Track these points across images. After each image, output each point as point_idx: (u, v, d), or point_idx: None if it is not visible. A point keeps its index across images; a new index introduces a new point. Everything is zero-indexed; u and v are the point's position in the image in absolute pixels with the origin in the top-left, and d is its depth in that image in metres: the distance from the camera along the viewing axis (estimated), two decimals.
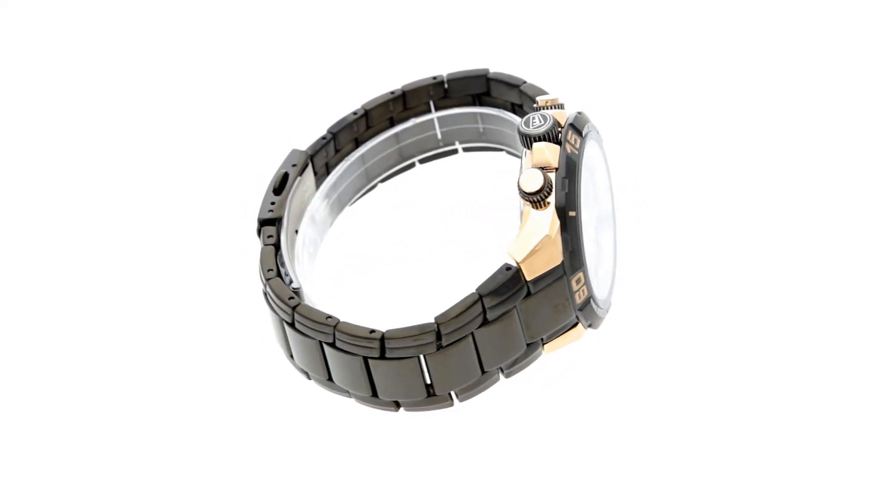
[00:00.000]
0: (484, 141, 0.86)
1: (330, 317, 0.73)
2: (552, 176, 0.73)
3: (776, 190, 0.85)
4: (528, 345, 0.74)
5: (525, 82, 0.82)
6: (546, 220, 0.72)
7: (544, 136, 0.74)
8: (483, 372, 0.74)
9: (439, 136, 0.86)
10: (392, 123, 0.85)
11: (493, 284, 0.72)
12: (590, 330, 0.76)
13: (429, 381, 0.73)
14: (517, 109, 0.83)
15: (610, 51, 0.96)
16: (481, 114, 0.85)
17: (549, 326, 0.74)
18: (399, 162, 0.86)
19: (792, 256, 0.81)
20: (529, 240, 0.72)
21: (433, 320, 0.72)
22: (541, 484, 0.74)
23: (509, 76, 0.83)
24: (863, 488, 0.72)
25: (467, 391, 0.74)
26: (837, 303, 0.79)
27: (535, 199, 0.73)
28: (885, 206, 0.84)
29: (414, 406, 0.74)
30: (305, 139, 0.83)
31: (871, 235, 0.82)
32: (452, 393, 0.74)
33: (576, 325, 0.75)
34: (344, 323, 0.73)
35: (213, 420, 0.79)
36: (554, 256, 0.73)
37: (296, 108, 0.94)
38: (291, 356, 0.76)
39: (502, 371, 0.74)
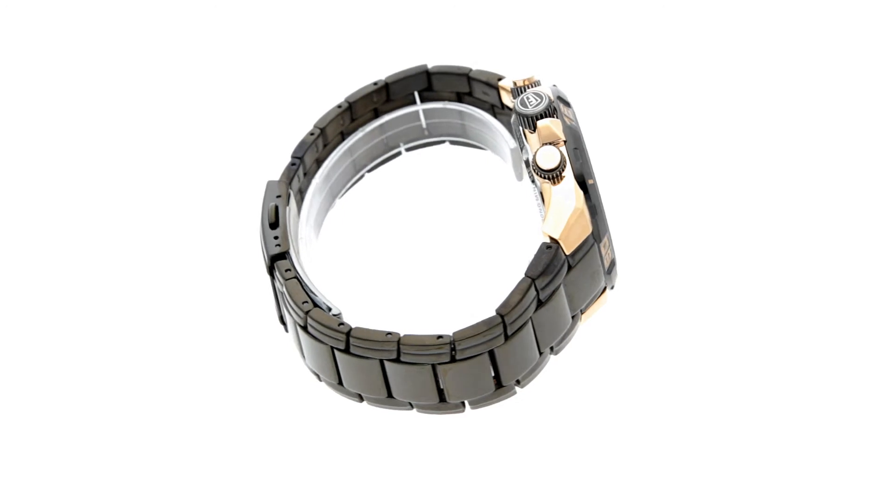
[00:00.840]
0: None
1: (390, 333, 0.72)
2: (563, 149, 0.74)
3: (775, 188, 0.86)
4: (571, 317, 0.75)
5: (471, 70, 0.83)
6: (570, 193, 0.74)
7: (543, 113, 0.75)
8: (539, 353, 0.74)
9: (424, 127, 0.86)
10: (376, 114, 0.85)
11: (541, 265, 0.72)
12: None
13: (494, 374, 0.74)
14: (464, 97, 0.84)
15: (608, 50, 0.97)
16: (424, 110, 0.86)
17: (587, 296, 0.75)
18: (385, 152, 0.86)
19: (791, 253, 0.83)
20: (561, 215, 0.73)
21: (495, 313, 0.72)
22: (547, 483, 0.75)
23: (454, 67, 0.84)
24: (863, 487, 0.73)
25: (528, 376, 0.75)
26: (837, 302, 0.80)
27: (554, 174, 0.73)
28: (884, 203, 0.85)
29: (480, 403, 0.74)
30: (284, 136, 0.84)
31: (870, 233, 0.84)
32: (516, 381, 0.74)
33: (604, 290, 0.77)
34: (406, 336, 0.72)
35: (218, 423, 0.79)
36: (585, 227, 0.74)
37: (275, 105, 0.94)
38: (340, 382, 0.75)
39: (552, 350, 0.75)
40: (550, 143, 0.75)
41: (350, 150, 0.84)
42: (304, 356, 0.76)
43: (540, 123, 0.75)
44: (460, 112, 0.84)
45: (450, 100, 0.85)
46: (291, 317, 0.75)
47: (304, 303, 0.74)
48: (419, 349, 0.72)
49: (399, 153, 0.86)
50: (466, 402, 0.75)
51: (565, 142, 0.75)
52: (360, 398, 0.75)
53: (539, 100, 0.76)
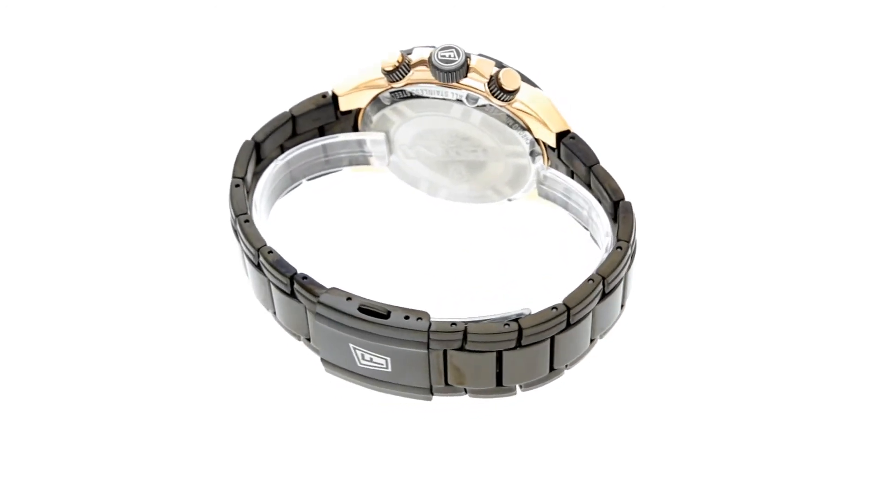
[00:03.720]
0: None
1: (454, 324, 0.72)
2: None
3: (775, 190, 0.87)
4: (621, 307, 0.78)
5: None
6: (535, 95, 0.79)
7: (466, 59, 0.78)
8: (591, 341, 0.76)
9: None
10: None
11: (613, 265, 0.74)
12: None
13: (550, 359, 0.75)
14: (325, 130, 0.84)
15: (607, 51, 0.97)
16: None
17: (629, 286, 0.78)
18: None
19: (794, 256, 0.83)
20: (551, 111, 0.79)
21: (562, 302, 0.73)
22: (550, 487, 0.75)
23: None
24: (864, 489, 0.74)
25: (576, 362, 0.76)
26: (837, 304, 0.81)
27: (511, 95, 0.79)
28: (885, 205, 0.86)
29: (532, 385, 0.75)
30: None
31: (872, 235, 0.85)
32: (565, 365, 0.76)
33: None
34: (470, 324, 0.72)
35: (216, 419, 0.78)
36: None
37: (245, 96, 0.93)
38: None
39: (598, 338, 0.77)
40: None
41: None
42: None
43: (476, 60, 0.78)
44: (323, 146, 0.83)
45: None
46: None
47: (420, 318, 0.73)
48: (487, 338, 0.72)
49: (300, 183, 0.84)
50: (519, 386, 0.75)
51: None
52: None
53: (452, 54, 0.78)
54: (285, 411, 0.77)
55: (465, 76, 0.78)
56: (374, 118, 0.81)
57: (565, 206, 0.81)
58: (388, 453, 0.76)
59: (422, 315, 0.72)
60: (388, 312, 0.72)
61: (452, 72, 0.78)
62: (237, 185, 0.78)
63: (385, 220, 0.84)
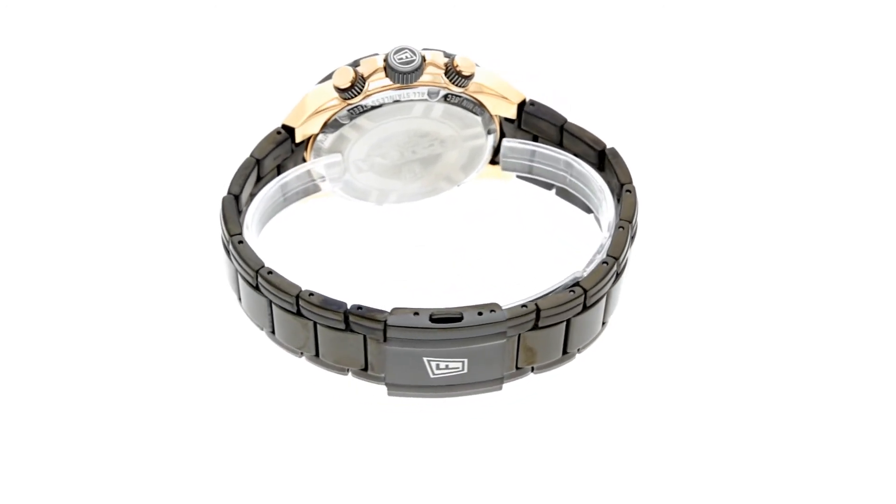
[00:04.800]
0: None
1: (525, 305, 0.72)
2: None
3: (775, 189, 0.88)
4: None
5: None
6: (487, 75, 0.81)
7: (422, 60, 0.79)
8: (602, 324, 0.77)
9: None
10: None
11: (622, 246, 0.75)
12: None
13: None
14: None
15: (606, 51, 0.97)
16: None
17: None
18: None
19: (793, 259, 0.84)
20: (505, 85, 0.81)
21: (578, 285, 0.74)
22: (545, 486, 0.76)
23: None
24: (863, 491, 0.74)
25: (588, 345, 0.77)
26: (837, 306, 0.82)
27: (467, 80, 0.79)
28: (885, 207, 0.87)
29: (545, 369, 0.76)
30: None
31: (870, 234, 0.85)
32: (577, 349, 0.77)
33: None
34: (539, 301, 0.73)
35: (213, 419, 0.77)
36: None
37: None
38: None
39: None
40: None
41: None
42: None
43: (428, 55, 0.79)
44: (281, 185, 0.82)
45: None
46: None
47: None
48: (558, 309, 0.72)
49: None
50: (577, 350, 0.77)
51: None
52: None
53: (409, 55, 0.78)
54: (282, 419, 0.76)
55: (423, 73, 0.78)
56: (328, 141, 0.80)
57: (529, 171, 0.82)
58: (388, 453, 0.76)
59: (493, 307, 0.72)
60: (461, 314, 0.72)
61: (413, 72, 0.78)
62: (240, 242, 0.75)
63: (350, 235, 0.83)
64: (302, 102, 0.79)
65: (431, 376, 0.74)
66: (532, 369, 0.76)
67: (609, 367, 0.78)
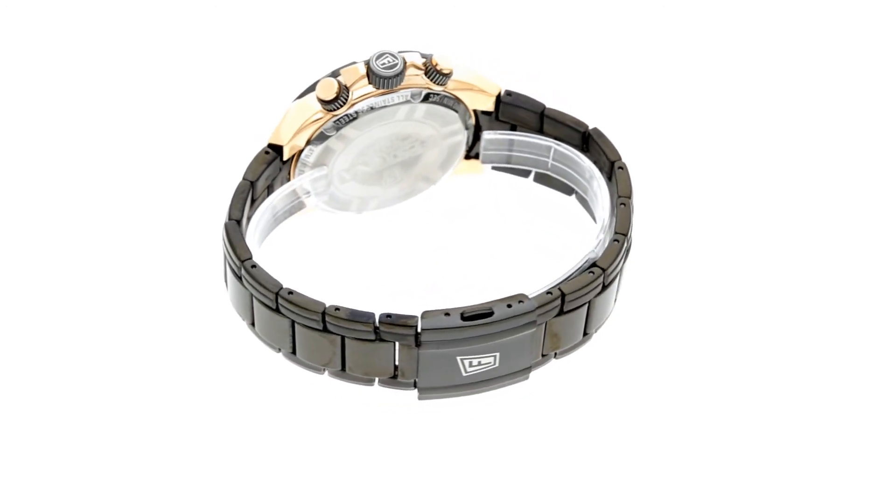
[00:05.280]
0: None
1: (550, 292, 0.73)
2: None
3: (775, 190, 0.88)
4: None
5: None
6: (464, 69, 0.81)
7: (403, 64, 0.78)
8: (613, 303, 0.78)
9: None
10: None
11: (628, 221, 0.77)
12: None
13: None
14: None
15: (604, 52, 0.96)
16: None
17: None
18: None
19: (792, 258, 0.84)
20: (481, 78, 0.81)
21: (598, 266, 0.75)
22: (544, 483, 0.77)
23: None
24: (863, 492, 0.75)
25: (601, 326, 0.78)
26: (836, 306, 0.82)
27: (447, 78, 0.80)
28: (884, 207, 0.87)
29: (567, 352, 0.77)
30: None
31: (869, 234, 0.85)
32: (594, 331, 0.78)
33: None
34: (563, 285, 0.73)
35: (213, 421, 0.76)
36: None
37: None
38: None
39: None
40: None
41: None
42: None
43: (409, 55, 0.79)
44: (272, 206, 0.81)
45: None
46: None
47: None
48: (582, 291, 0.73)
49: None
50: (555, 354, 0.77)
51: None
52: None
53: (392, 59, 0.78)
54: (309, 435, 0.76)
55: (406, 75, 0.78)
56: (314, 155, 0.79)
57: (508, 161, 0.83)
58: (387, 453, 0.76)
59: (520, 297, 0.73)
60: (491, 309, 0.72)
61: (397, 76, 0.77)
62: (253, 266, 0.74)
63: (333, 245, 0.83)
64: (286, 118, 0.78)
65: (464, 374, 0.74)
66: (555, 355, 0.76)
67: (623, 346, 0.79)
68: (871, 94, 0.94)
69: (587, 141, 0.81)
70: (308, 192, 0.80)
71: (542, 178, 0.84)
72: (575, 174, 0.81)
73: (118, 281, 0.81)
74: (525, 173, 0.84)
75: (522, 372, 0.75)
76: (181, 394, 0.77)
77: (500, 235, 0.84)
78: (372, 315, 0.72)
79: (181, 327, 0.79)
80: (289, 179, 0.80)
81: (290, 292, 0.73)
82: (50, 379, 0.77)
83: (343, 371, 0.75)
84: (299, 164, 0.79)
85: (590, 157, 0.80)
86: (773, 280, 0.83)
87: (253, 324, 0.76)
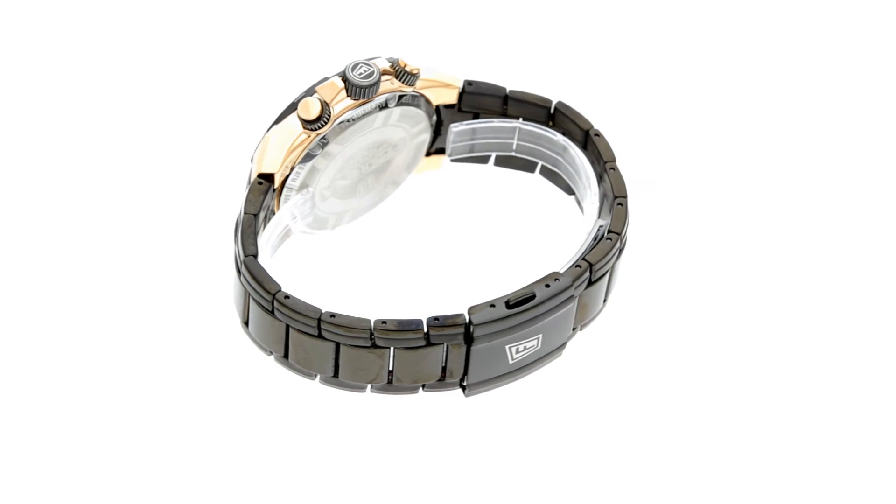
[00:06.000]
0: None
1: (578, 265, 0.74)
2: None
3: (775, 190, 0.88)
4: None
5: None
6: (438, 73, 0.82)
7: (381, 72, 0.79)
8: (604, 302, 0.80)
9: None
10: None
11: (623, 220, 0.77)
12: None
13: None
14: None
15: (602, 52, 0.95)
16: None
17: None
18: None
19: (791, 258, 0.85)
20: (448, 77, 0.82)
21: (613, 232, 0.76)
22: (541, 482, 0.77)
23: None
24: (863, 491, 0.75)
25: (588, 323, 0.79)
26: (831, 305, 0.82)
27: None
28: (881, 206, 0.87)
29: (589, 323, 0.79)
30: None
31: (868, 234, 0.86)
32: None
33: None
34: (589, 255, 0.75)
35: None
36: None
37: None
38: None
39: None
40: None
41: None
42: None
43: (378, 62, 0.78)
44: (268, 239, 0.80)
45: None
46: None
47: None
48: (608, 258, 0.75)
49: None
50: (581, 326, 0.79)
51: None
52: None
53: (367, 68, 0.77)
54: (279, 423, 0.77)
55: (381, 82, 0.78)
56: (300, 178, 0.78)
57: (471, 150, 0.84)
58: (386, 454, 0.77)
59: (555, 276, 0.74)
60: (533, 293, 0.73)
61: (374, 84, 0.77)
62: (286, 297, 0.73)
63: (317, 262, 0.82)
64: (269, 146, 0.77)
65: (510, 362, 0.75)
66: (581, 327, 0.78)
67: (622, 346, 0.80)
68: (870, 94, 0.94)
69: (554, 116, 0.82)
70: (295, 217, 0.79)
71: (503, 161, 0.85)
72: (542, 149, 0.83)
73: (118, 281, 0.81)
74: (485, 159, 0.85)
75: (559, 349, 0.77)
76: (182, 396, 0.77)
77: (468, 226, 0.84)
78: (420, 321, 0.72)
79: (181, 327, 0.79)
80: (276, 208, 0.79)
81: (333, 315, 0.72)
82: (45, 380, 0.76)
83: (390, 384, 0.74)
84: (285, 190, 0.78)
85: (558, 131, 0.82)
86: (771, 276, 0.84)
87: (286, 356, 0.74)
